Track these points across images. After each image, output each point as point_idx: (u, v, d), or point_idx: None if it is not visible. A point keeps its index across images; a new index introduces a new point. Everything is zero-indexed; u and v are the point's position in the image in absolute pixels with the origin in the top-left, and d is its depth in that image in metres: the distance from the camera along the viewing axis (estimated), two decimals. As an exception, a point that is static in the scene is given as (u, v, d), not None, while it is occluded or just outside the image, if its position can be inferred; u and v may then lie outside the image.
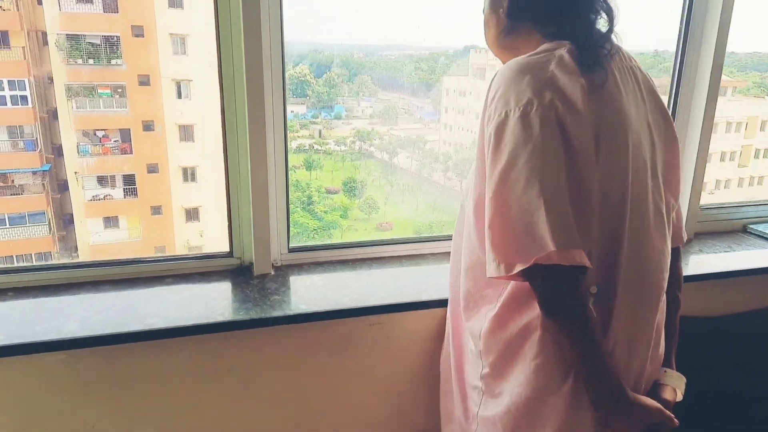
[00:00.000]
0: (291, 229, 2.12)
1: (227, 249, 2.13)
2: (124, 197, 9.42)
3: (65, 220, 9.64)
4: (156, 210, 9.52)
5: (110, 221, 9.46)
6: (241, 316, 1.80)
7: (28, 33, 9.68)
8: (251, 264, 2.12)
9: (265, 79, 1.89)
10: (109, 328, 1.70)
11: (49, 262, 2.12)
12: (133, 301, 1.89)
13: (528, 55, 1.49)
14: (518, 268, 1.34)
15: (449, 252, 2.34)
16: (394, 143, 12.59)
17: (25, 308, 1.81)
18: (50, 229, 9.38)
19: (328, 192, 11.57)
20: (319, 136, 12.17)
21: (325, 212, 10.93)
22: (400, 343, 2.01)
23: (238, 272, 2.13)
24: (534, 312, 1.50)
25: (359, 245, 2.27)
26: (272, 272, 2.12)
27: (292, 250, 2.20)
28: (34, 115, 9.34)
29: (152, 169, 9.51)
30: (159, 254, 2.09)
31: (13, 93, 9.45)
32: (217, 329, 1.75)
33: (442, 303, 1.92)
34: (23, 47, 9.71)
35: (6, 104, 9.40)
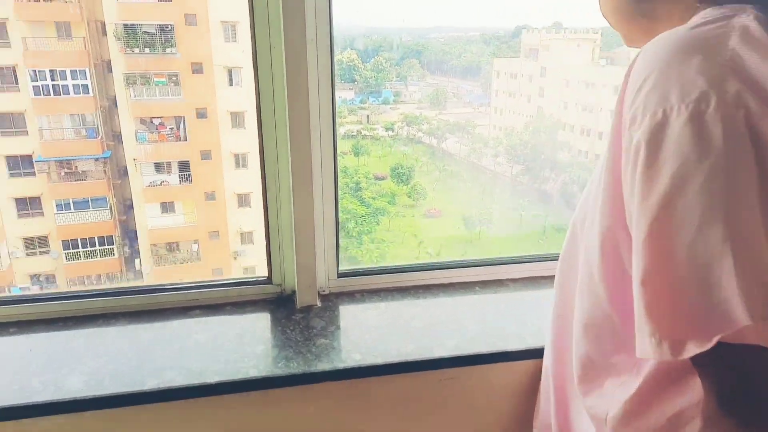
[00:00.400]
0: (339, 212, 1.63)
1: (266, 273, 1.66)
2: (180, 183, 9.36)
3: (125, 205, 9.67)
4: (210, 196, 9.45)
5: (166, 206, 9.46)
6: (280, 369, 1.33)
7: (88, 23, 9.60)
8: (293, 293, 1.65)
9: (309, 65, 1.39)
10: (118, 385, 1.26)
11: (57, 291, 1.67)
12: (151, 343, 1.44)
13: (690, 26, 0.91)
14: (692, 350, 0.80)
15: (533, 278, 1.75)
16: (443, 128, 12.06)
17: (25, 351, 1.39)
18: (111, 214, 9.41)
19: (376, 178, 11.16)
20: (367, 122, 11.76)
21: (373, 198, 10.51)
22: (478, 401, 1.51)
23: (278, 303, 1.66)
24: (692, 395, 0.97)
25: (420, 268, 1.77)
26: (318, 303, 1.64)
27: (341, 275, 1.72)
28: (95, 104, 9.34)
29: (206, 155, 9.42)
30: (187, 281, 1.63)
31: (75, 82, 9.45)
32: (249, 387, 1.30)
33: (535, 353, 1.40)
34: (84, 37, 9.69)
35: (69, 93, 9.41)
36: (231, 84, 9.42)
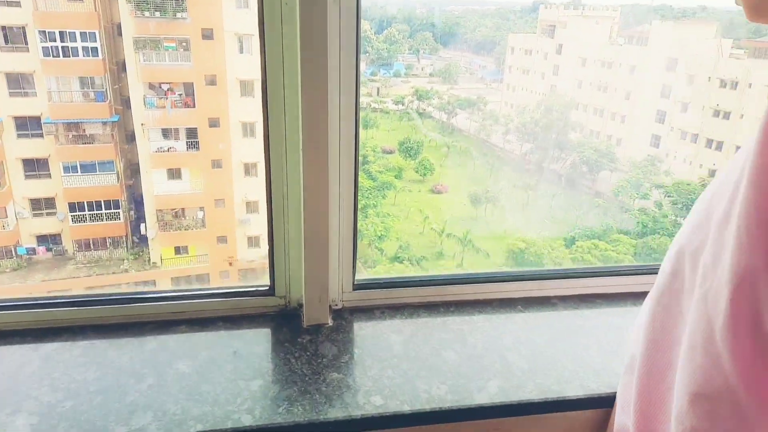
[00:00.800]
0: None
1: (267, 282, 1.31)
2: (187, 150, 9.11)
3: (132, 170, 9.49)
4: (216, 164, 9.22)
5: (173, 173, 9.26)
6: (281, 416, 1.00)
7: (97, -16, 9.26)
8: (300, 307, 1.30)
9: (330, 28, 1.02)
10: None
11: (19, 297, 1.30)
12: (123, 371, 1.09)
13: None
14: None
15: (585, 296, 1.39)
16: (453, 103, 11.63)
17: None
18: (119, 178, 9.22)
19: (384, 152, 10.80)
20: (377, 94, 11.35)
21: (380, 172, 10.16)
22: (526, 460, 1.17)
23: (281, 318, 1.32)
24: None
25: (452, 281, 1.42)
26: (329, 322, 1.29)
27: (358, 286, 1.37)
28: (104, 67, 9.07)
29: (213, 123, 9.16)
30: (174, 288, 1.27)
31: (84, 44, 9.18)
32: (240, 440, 0.95)
33: (599, 402, 1.06)
34: (93, -1, 9.39)
35: (78, 55, 9.13)
36: (241, 51, 9.10)
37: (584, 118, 13.70)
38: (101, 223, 9.09)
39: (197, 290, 1.40)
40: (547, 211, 12.36)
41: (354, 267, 1.43)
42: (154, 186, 9.23)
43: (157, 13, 9.68)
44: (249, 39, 9.27)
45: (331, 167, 1.26)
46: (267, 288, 1.40)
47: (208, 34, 9.50)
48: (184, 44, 9.54)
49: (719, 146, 12.28)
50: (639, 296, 1.55)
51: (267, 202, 1.34)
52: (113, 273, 8.91)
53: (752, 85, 11.58)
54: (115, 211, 9.16)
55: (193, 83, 9.28)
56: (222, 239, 9.13)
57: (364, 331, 1.37)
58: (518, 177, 13.00)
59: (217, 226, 9.21)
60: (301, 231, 1.29)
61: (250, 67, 9.13)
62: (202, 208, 9.19)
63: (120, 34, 9.53)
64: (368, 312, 1.44)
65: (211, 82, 9.24)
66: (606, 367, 1.26)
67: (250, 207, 9.26)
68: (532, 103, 12.89)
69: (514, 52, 11.17)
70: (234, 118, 9.27)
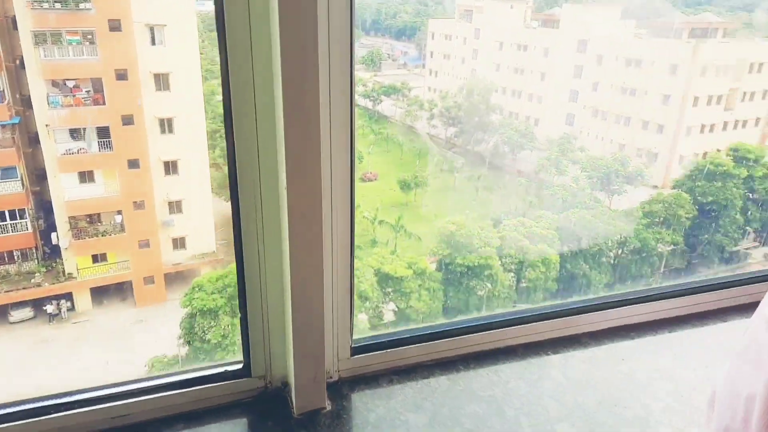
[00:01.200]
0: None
1: (240, 358, 0.93)
2: (99, 150, 8.27)
3: (38, 175, 8.56)
4: (133, 164, 8.40)
5: (85, 176, 8.38)
6: None
7: (-19, -27, 8.23)
8: (285, 386, 0.92)
9: (319, 13, 0.64)
10: None
11: None
12: None
13: None
14: None
15: (617, 329, 1.07)
16: (378, 90, 11.30)
17: None
18: (23, 185, 8.27)
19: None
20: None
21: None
22: None
23: (262, 406, 0.93)
24: None
25: (465, 329, 1.10)
26: (327, 405, 0.93)
27: (356, 350, 1.01)
28: (0, 64, 8.05)
29: (127, 120, 8.37)
30: (115, 383, 0.84)
31: None
32: None
33: None
34: (-23, -10, 8.35)
35: None
36: (153, 43, 8.34)
37: (504, 100, 13.79)
38: (6, 235, 8.16)
39: (146, 380, 1.00)
40: (473, 192, 12.36)
41: (351, 329, 1.08)
42: (65, 191, 8.40)
43: (58, 5, 8.76)
44: (161, 30, 8.53)
45: (324, 218, 0.90)
46: (240, 367, 1.03)
47: (115, 26, 8.67)
48: (89, 37, 8.68)
49: (627, 121, 12.71)
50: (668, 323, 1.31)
51: (236, 257, 0.96)
52: (24, 288, 8.03)
53: (654, 62, 11.99)
54: (22, 221, 8.26)
55: (101, 78, 8.44)
56: (144, 243, 8.43)
57: (373, 413, 1.03)
58: (445, 161, 12.91)
59: (138, 229, 8.50)
60: (286, 296, 0.93)
61: (163, 58, 8.39)
62: (119, 212, 8.44)
63: (16, 28, 8.54)
64: (372, 382, 1.10)
65: (122, 76, 8.43)
66: (673, 419, 0.99)
67: (173, 207, 8.61)
68: (455, 87, 12.81)
69: (434, 38, 10.98)
70: (150, 115, 8.52)
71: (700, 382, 1.07)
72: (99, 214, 8.32)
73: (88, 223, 8.24)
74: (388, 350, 1.11)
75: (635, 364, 1.17)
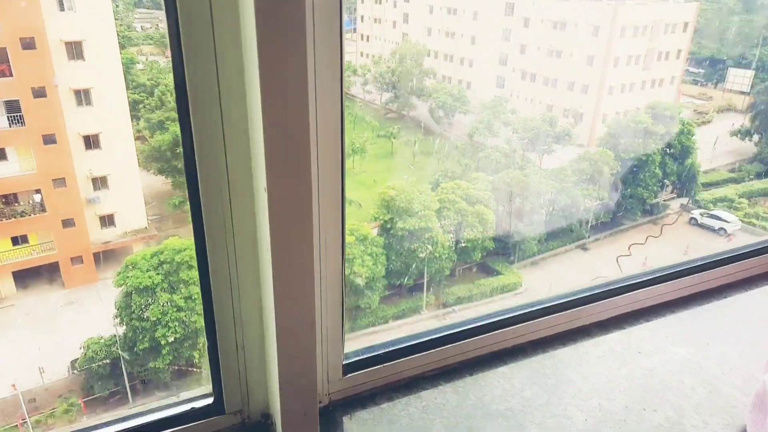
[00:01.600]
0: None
1: (209, 391, 0.63)
2: (10, 126, 7.46)
3: None
4: (49, 139, 7.64)
5: None
6: None
7: None
8: (266, 419, 0.63)
9: None
10: None
11: None
12: None
13: None
14: None
15: (620, 317, 0.78)
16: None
17: None
18: None
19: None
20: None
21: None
22: None
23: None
24: None
25: (465, 332, 0.85)
26: None
27: (349, 368, 0.73)
28: None
29: (39, 93, 7.55)
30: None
31: None
32: None
33: None
34: None
35: None
36: (62, 9, 7.51)
37: (436, 64, 13.49)
38: None
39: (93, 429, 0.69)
40: (410, 157, 12.13)
41: (343, 345, 0.81)
42: (-27, 171, 7.53)
43: (-53, -37, 7.69)
44: (70, -6, 7.68)
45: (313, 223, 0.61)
46: (210, 402, 0.74)
47: (16, -11, 7.72)
48: (-13, 2, 7.69)
49: (554, 83, 12.76)
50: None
51: (200, 270, 0.66)
52: (-66, 277, 7.24)
53: (578, 24, 12.03)
54: (-74, 205, 7.41)
55: (6, 48, 7.53)
56: (68, 222, 7.76)
57: None
58: (381, 126, 12.56)
59: (60, 208, 7.80)
60: (267, 314, 0.65)
61: (74, 25, 7.59)
62: (38, 191, 7.71)
63: None
64: (368, 402, 0.84)
65: (29, 45, 7.55)
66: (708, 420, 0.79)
67: (98, 183, 7.94)
68: (387, 52, 12.37)
69: (364, 2, 10.53)
70: (64, 86, 7.73)
71: (722, 372, 0.88)
72: (15, 194, 7.58)
73: (3, 204, 7.48)
74: (385, 364, 0.88)
75: (654, 358, 0.97)
